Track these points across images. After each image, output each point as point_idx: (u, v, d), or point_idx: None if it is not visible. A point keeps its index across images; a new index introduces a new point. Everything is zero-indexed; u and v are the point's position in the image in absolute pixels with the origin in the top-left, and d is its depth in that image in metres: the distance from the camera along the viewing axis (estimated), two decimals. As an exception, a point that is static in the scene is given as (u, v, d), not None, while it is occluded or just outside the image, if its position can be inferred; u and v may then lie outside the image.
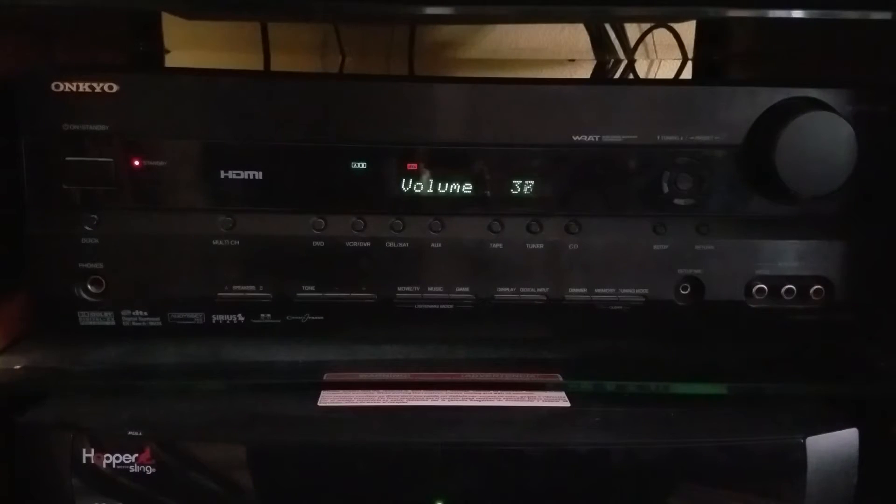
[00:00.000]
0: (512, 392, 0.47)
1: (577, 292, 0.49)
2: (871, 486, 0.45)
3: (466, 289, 0.49)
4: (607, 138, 0.47)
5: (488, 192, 0.48)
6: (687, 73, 0.79)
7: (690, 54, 0.82)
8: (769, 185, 0.47)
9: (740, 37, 0.75)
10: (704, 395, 0.48)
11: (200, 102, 0.47)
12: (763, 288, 0.49)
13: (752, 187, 0.48)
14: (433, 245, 0.48)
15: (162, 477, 0.43)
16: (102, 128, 0.46)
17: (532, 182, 0.48)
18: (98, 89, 0.45)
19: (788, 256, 0.49)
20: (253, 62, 0.81)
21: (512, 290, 0.49)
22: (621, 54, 0.85)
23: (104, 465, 0.42)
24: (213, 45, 0.88)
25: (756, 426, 0.45)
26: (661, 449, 0.44)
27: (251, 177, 0.47)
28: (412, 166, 0.48)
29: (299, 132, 0.47)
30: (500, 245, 0.49)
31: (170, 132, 0.47)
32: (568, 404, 0.46)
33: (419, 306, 0.49)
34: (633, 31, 0.85)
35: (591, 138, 0.47)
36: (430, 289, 0.49)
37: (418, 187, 0.48)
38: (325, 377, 0.46)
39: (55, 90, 0.45)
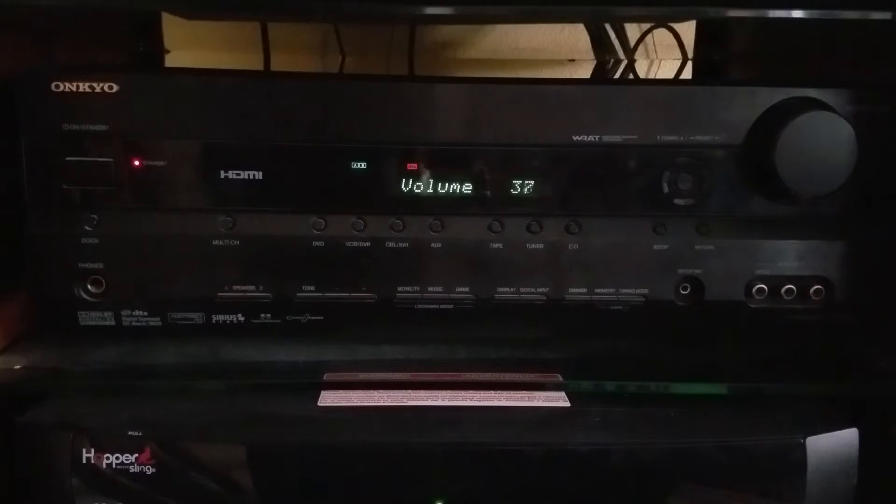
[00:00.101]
0: (512, 392, 0.47)
1: (577, 292, 0.49)
2: (871, 486, 0.45)
3: (466, 289, 0.49)
4: (607, 138, 0.47)
5: (488, 192, 0.48)
6: (687, 73, 0.79)
7: (690, 54, 0.82)
8: (769, 185, 0.47)
9: (740, 37, 0.75)
10: (704, 395, 0.48)
11: (200, 102, 0.47)
12: (763, 288, 0.49)
13: (752, 187, 0.48)
14: (433, 245, 0.48)
15: (162, 477, 0.43)
16: (102, 128, 0.46)
17: (532, 182, 0.48)
18: (98, 89, 0.45)
19: (788, 256, 0.49)
20: (253, 62, 0.81)
21: (512, 290, 0.49)
22: (621, 54, 0.85)
23: (104, 465, 0.42)
24: (213, 45, 0.88)
25: (756, 426, 0.45)
26: (661, 449, 0.44)
27: (251, 177, 0.47)
28: (412, 166, 0.48)
29: (299, 132, 0.47)
30: (500, 245, 0.49)
31: (170, 132, 0.47)
32: (568, 404, 0.46)
33: (419, 306, 0.49)
34: (633, 31, 0.85)
35: (591, 138, 0.47)
36: (430, 289, 0.49)
37: (418, 187, 0.48)
38: (325, 377, 0.46)
39: (55, 90, 0.45)
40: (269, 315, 0.49)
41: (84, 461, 0.42)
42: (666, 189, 0.48)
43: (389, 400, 0.46)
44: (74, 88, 0.45)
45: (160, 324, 0.49)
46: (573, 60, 0.91)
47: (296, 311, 0.49)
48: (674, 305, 0.49)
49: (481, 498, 0.44)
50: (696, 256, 0.49)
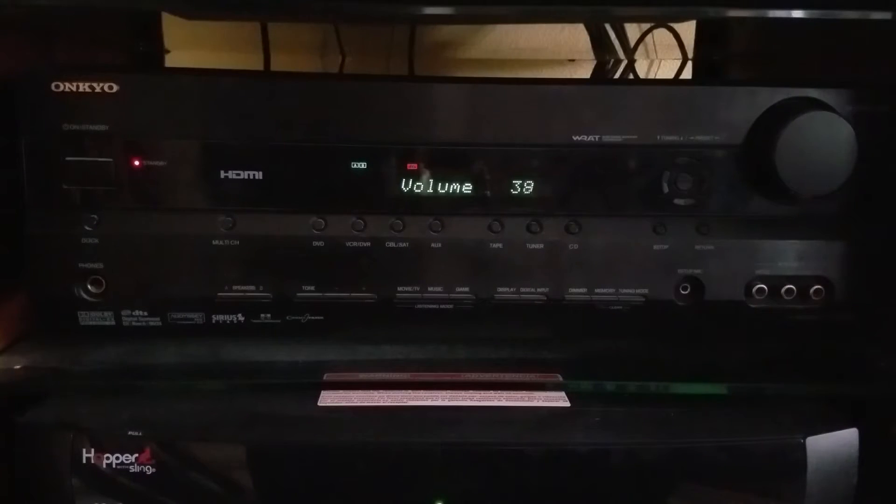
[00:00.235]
0: (512, 392, 0.47)
1: (577, 292, 0.49)
2: (871, 486, 0.45)
3: (466, 289, 0.49)
4: (607, 138, 0.47)
5: (488, 192, 0.48)
6: (687, 73, 0.79)
7: (690, 54, 0.82)
8: (769, 185, 0.47)
9: (740, 37, 0.75)
10: (704, 395, 0.48)
11: (200, 102, 0.47)
12: (763, 288, 0.49)
13: (752, 187, 0.48)
14: (433, 245, 0.48)
15: (162, 477, 0.43)
16: (102, 128, 0.46)
17: (532, 182, 0.48)
18: (98, 89, 0.45)
19: (788, 256, 0.49)
20: (253, 62, 0.81)
21: (512, 290, 0.49)
22: (621, 54, 0.85)
23: (104, 465, 0.42)
24: (213, 45, 0.88)
25: (756, 426, 0.45)
26: (661, 449, 0.44)
27: (251, 177, 0.47)
28: (412, 166, 0.48)
29: (299, 132, 0.47)
30: (500, 245, 0.49)
31: (170, 132, 0.47)
32: (568, 404, 0.46)
33: (419, 306, 0.49)
34: (633, 31, 0.85)
35: (591, 138, 0.47)
36: (430, 289, 0.49)
37: (418, 187, 0.48)
38: (325, 377, 0.46)
39: (55, 90, 0.45)
40: (269, 315, 0.49)
41: (84, 461, 0.42)
42: (666, 189, 0.48)
43: (389, 400, 0.46)
44: (74, 88, 0.45)
45: (160, 324, 0.49)
46: (573, 60, 0.91)
47: (296, 311, 0.49)
48: (674, 305, 0.49)
49: (481, 498, 0.44)
50: (696, 256, 0.49)
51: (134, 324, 0.49)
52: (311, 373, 0.47)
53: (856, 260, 0.49)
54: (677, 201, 0.48)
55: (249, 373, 0.47)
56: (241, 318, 0.49)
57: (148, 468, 0.42)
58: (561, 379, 0.47)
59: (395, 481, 0.43)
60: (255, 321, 0.49)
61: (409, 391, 0.46)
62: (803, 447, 0.44)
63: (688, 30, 0.82)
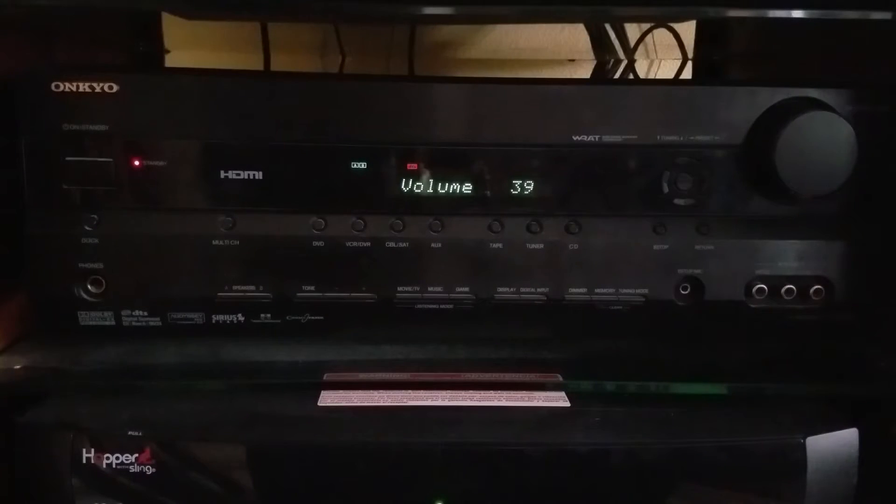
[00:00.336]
0: (512, 392, 0.47)
1: (577, 292, 0.49)
2: (871, 486, 0.45)
3: (466, 289, 0.49)
4: (607, 138, 0.47)
5: (488, 192, 0.48)
6: (687, 73, 0.79)
7: (690, 54, 0.82)
8: (769, 185, 0.47)
9: (740, 37, 0.75)
10: (704, 395, 0.48)
11: (200, 102, 0.47)
12: (763, 288, 0.49)
13: (752, 187, 0.48)
14: (433, 245, 0.48)
15: (162, 477, 0.43)
16: (102, 128, 0.46)
17: (532, 182, 0.48)
18: (98, 89, 0.45)
19: (788, 256, 0.49)
20: (253, 62, 0.81)
21: (512, 290, 0.49)
22: (621, 54, 0.85)
23: (104, 465, 0.42)
24: (213, 45, 0.88)
25: (756, 426, 0.45)
26: (661, 449, 0.44)
27: (251, 177, 0.47)
28: (412, 166, 0.48)
29: (299, 132, 0.47)
30: (500, 245, 0.49)
31: (170, 132, 0.47)
32: (568, 404, 0.46)
33: (419, 306, 0.49)
34: (633, 31, 0.85)
35: (591, 138, 0.47)
36: (430, 289, 0.49)
37: (418, 187, 0.48)
38: (325, 377, 0.46)
39: (55, 90, 0.45)
40: (269, 315, 0.49)
41: (84, 461, 0.42)
42: (666, 189, 0.48)
43: (389, 400, 0.46)
44: (74, 88, 0.45)
45: (160, 324, 0.49)
46: (573, 60, 0.91)
47: (296, 311, 0.49)
48: (674, 305, 0.49)
49: (481, 498, 0.44)
50: (696, 256, 0.49)
51: (134, 324, 0.49)
52: (311, 373, 0.47)
53: (856, 260, 0.49)
54: (677, 201, 0.48)
55: (249, 373, 0.47)
56: (241, 318, 0.49)
57: (148, 468, 0.42)
58: (561, 379, 0.47)
59: (395, 481, 0.43)
60: (255, 321, 0.49)
61: (409, 391, 0.46)
62: (803, 447, 0.44)
63: (688, 30, 0.82)
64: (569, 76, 0.89)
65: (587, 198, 0.48)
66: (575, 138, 0.47)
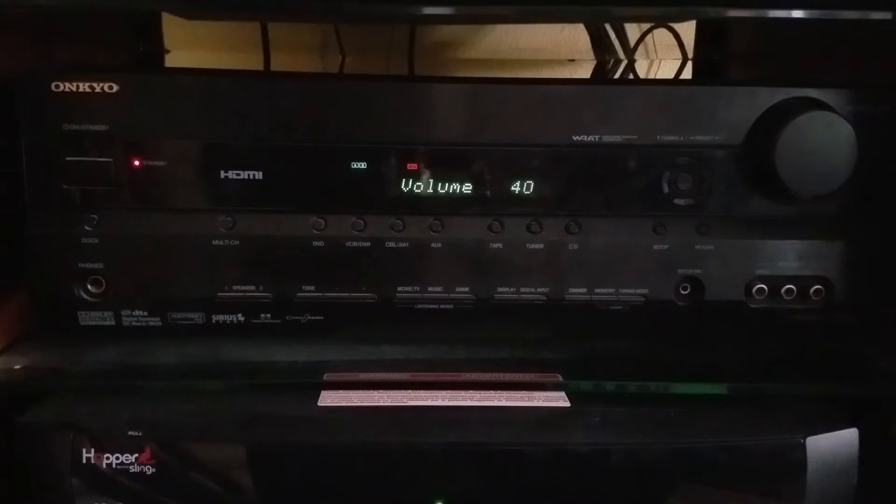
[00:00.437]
0: (512, 392, 0.47)
1: (577, 292, 0.49)
2: (871, 486, 0.45)
3: (466, 289, 0.49)
4: (607, 138, 0.47)
5: (488, 192, 0.48)
6: (687, 73, 0.79)
7: (690, 54, 0.82)
8: (769, 185, 0.47)
9: (740, 37, 0.75)
10: (704, 395, 0.48)
11: (200, 102, 0.47)
12: (763, 288, 0.49)
13: (752, 187, 0.48)
14: (433, 245, 0.48)
15: (162, 477, 0.43)
16: (102, 128, 0.46)
17: (532, 182, 0.48)
18: (98, 89, 0.45)
19: (788, 256, 0.49)
20: (253, 62, 0.81)
21: (512, 290, 0.49)
22: (621, 54, 0.85)
23: (104, 465, 0.42)
24: (213, 45, 0.88)
25: (756, 426, 0.45)
26: (661, 449, 0.44)
27: (251, 177, 0.47)
28: (412, 166, 0.48)
29: (299, 132, 0.47)
30: (500, 245, 0.49)
31: (170, 132, 0.47)
32: (568, 404, 0.46)
33: (419, 306, 0.49)
34: (633, 31, 0.85)
35: (591, 138, 0.47)
36: (430, 289, 0.49)
37: (418, 187, 0.48)
38: (325, 377, 0.46)
39: (55, 90, 0.45)
40: (269, 315, 0.49)
41: (84, 461, 0.42)
42: (666, 189, 0.48)
43: (389, 400, 0.46)
44: (74, 88, 0.45)
45: (160, 324, 0.49)
46: (573, 60, 0.91)
47: (296, 311, 0.49)
48: (674, 305, 0.49)
49: (481, 498, 0.44)
50: (696, 256, 0.49)
51: (134, 324, 0.49)
52: (311, 373, 0.47)
53: (856, 260, 0.49)
54: (677, 201, 0.48)
55: (249, 373, 0.47)
56: (241, 318, 0.49)
57: (148, 468, 0.42)
58: (561, 379, 0.47)
59: (395, 481, 0.43)
60: (255, 321, 0.49)
61: (409, 391, 0.46)
62: (803, 447, 0.44)
63: (688, 30, 0.82)
64: (569, 76, 0.89)
65: (587, 198, 0.48)
66: (575, 138, 0.47)
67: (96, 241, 0.47)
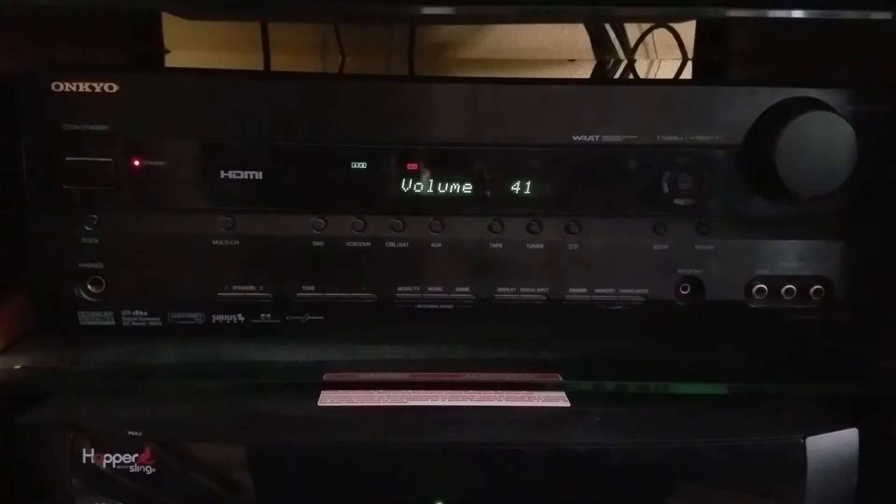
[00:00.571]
0: (512, 392, 0.47)
1: (577, 292, 0.49)
2: (871, 486, 0.45)
3: (466, 289, 0.49)
4: (607, 138, 0.47)
5: (488, 192, 0.48)
6: (687, 73, 0.79)
7: (690, 54, 0.82)
8: (769, 185, 0.47)
9: (740, 37, 0.75)
10: (704, 395, 0.48)
11: (200, 102, 0.47)
12: (763, 288, 0.49)
13: (752, 187, 0.48)
14: (433, 245, 0.48)
15: (162, 477, 0.43)
16: (102, 128, 0.46)
17: (532, 182, 0.48)
18: (98, 89, 0.45)
19: (788, 256, 0.49)
20: (253, 62, 0.81)
21: (512, 290, 0.49)
22: (621, 54, 0.85)
23: (104, 465, 0.42)
24: (213, 45, 0.88)
25: (756, 426, 0.45)
26: (661, 449, 0.44)
27: (251, 177, 0.47)
28: (412, 166, 0.48)
29: (299, 132, 0.47)
30: (500, 245, 0.49)
31: (170, 132, 0.47)
32: (568, 404, 0.46)
33: (419, 306, 0.49)
34: (633, 31, 0.85)
35: (591, 138, 0.47)
36: (430, 289, 0.49)
37: (418, 187, 0.48)
38: (325, 377, 0.46)
39: (55, 90, 0.45)
40: (269, 315, 0.49)
41: (84, 461, 0.42)
42: (666, 189, 0.48)
43: (389, 400, 0.46)
44: (74, 88, 0.45)
45: (160, 324, 0.49)
46: (573, 60, 0.91)
47: (296, 311, 0.49)
48: (674, 305, 0.49)
49: (481, 498, 0.44)
50: (696, 256, 0.49)
51: (134, 324, 0.49)
52: (311, 373, 0.47)
53: (856, 260, 0.49)
54: (677, 201, 0.48)
55: (249, 373, 0.47)
56: (241, 318, 0.49)
57: (148, 468, 0.42)
58: (561, 379, 0.47)
59: (395, 481, 0.43)
60: (255, 321, 0.49)
61: (409, 391, 0.46)
62: (803, 447, 0.44)
63: (688, 30, 0.82)
64: (569, 76, 0.89)
65: (587, 198, 0.48)
66: (575, 138, 0.47)
67: (96, 241, 0.47)
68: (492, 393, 0.46)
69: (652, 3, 0.49)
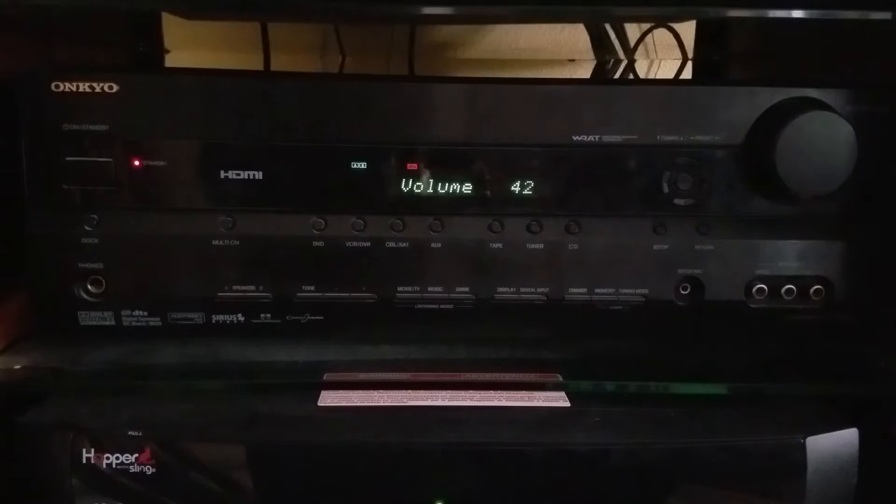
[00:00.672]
0: (512, 392, 0.47)
1: (577, 292, 0.49)
2: (871, 486, 0.45)
3: (466, 289, 0.49)
4: (607, 138, 0.47)
5: (488, 192, 0.48)
6: (687, 73, 0.79)
7: (690, 54, 0.82)
8: (769, 185, 0.47)
9: (740, 37, 0.75)
10: (704, 395, 0.48)
11: (200, 102, 0.47)
12: (763, 288, 0.49)
13: (752, 187, 0.48)
14: (433, 245, 0.48)
15: (162, 477, 0.43)
16: (102, 128, 0.46)
17: (532, 182, 0.48)
18: (98, 89, 0.45)
19: (788, 256, 0.49)
20: (253, 62, 0.81)
21: (512, 290, 0.49)
22: (621, 54, 0.85)
23: (104, 465, 0.42)
24: (213, 45, 0.88)
25: (756, 426, 0.45)
26: (661, 449, 0.44)
27: (251, 177, 0.47)
28: (412, 166, 0.48)
29: (299, 132, 0.47)
30: (500, 245, 0.49)
31: (170, 132, 0.47)
32: (568, 404, 0.46)
33: (419, 306, 0.49)
34: (633, 31, 0.85)
35: (591, 138, 0.47)
36: (430, 289, 0.49)
37: (418, 187, 0.48)
38: (325, 377, 0.46)
39: (55, 90, 0.45)
40: (269, 315, 0.49)
41: (84, 461, 0.42)
42: (666, 189, 0.48)
43: (389, 400, 0.46)
44: (74, 88, 0.45)
45: (160, 324, 0.49)
46: (573, 60, 0.91)
47: (296, 311, 0.49)
48: (674, 305, 0.49)
49: (481, 498, 0.44)
50: (696, 256, 0.49)
51: (134, 324, 0.49)
52: (311, 373, 0.47)
53: (856, 260, 0.49)
54: (677, 201, 0.48)
55: (249, 373, 0.47)
56: (241, 318, 0.49)
57: (148, 468, 0.42)
58: (561, 379, 0.47)
59: (395, 481, 0.43)
60: (255, 321, 0.49)
61: (409, 391, 0.46)
62: (803, 447, 0.44)
63: (688, 30, 0.82)
64: (569, 76, 0.89)
65: (587, 198, 0.48)
66: (575, 138, 0.47)
67: (96, 241, 0.47)
68: (492, 393, 0.46)
69: (652, 3, 0.49)
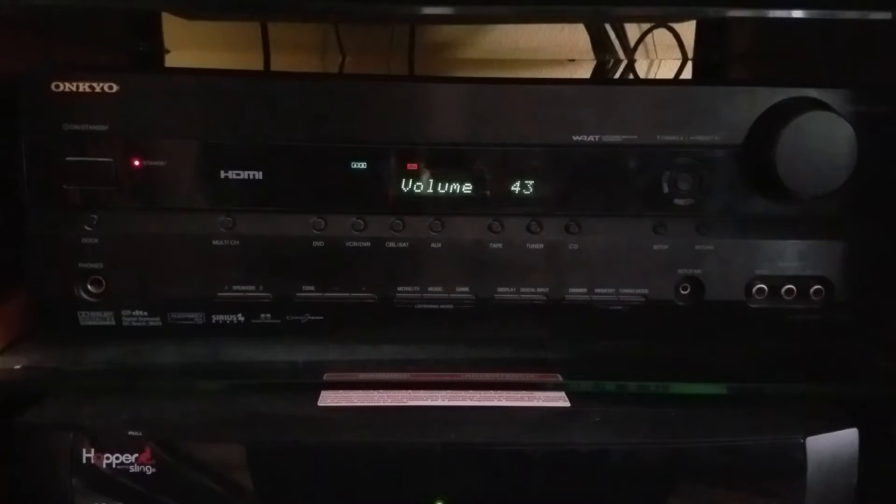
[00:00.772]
0: (512, 392, 0.47)
1: (577, 292, 0.49)
2: (871, 486, 0.45)
3: (466, 289, 0.49)
4: (607, 138, 0.47)
5: (488, 192, 0.48)
6: (687, 73, 0.79)
7: (690, 54, 0.82)
8: (769, 185, 0.47)
9: (740, 37, 0.75)
10: (704, 395, 0.48)
11: (200, 102, 0.47)
12: (763, 288, 0.49)
13: (752, 187, 0.48)
14: (433, 245, 0.48)
15: (162, 477, 0.43)
16: (102, 128, 0.46)
17: (532, 182, 0.48)
18: (98, 89, 0.45)
19: (788, 256, 0.49)
20: (253, 62, 0.81)
21: (512, 290, 0.49)
22: (621, 54, 0.85)
23: (104, 465, 0.42)
24: (213, 45, 0.88)
25: (756, 426, 0.45)
26: (661, 449, 0.44)
27: (251, 177, 0.47)
28: (412, 166, 0.48)
29: (299, 132, 0.47)
30: (500, 245, 0.49)
31: (170, 132, 0.47)
32: (568, 404, 0.46)
33: (419, 306, 0.49)
34: (633, 31, 0.85)
35: (591, 138, 0.47)
36: (430, 289, 0.49)
37: (418, 187, 0.48)
38: (326, 377, 0.46)
39: (55, 90, 0.45)
40: (269, 315, 0.49)
41: (84, 461, 0.42)
42: (666, 189, 0.48)
43: (389, 400, 0.46)
44: (74, 88, 0.45)
45: (160, 324, 0.49)
46: (573, 60, 0.91)
47: (296, 311, 0.49)
48: (674, 305, 0.49)
49: (481, 498, 0.44)
50: (696, 256, 0.49)
51: (134, 324, 0.49)
52: (311, 373, 0.47)
53: (856, 260, 0.49)
54: (677, 201, 0.48)
55: (249, 373, 0.47)
56: (241, 318, 0.49)
57: (148, 468, 0.42)
58: (561, 379, 0.47)
59: (395, 481, 0.43)
60: (255, 321, 0.49)
61: (409, 391, 0.46)
62: (803, 447, 0.44)
63: (688, 30, 0.82)
64: (569, 76, 0.90)
65: (587, 198, 0.48)
66: (575, 138, 0.47)
67: (96, 241, 0.47)
68: (492, 393, 0.46)
69: (652, 3, 0.49)
